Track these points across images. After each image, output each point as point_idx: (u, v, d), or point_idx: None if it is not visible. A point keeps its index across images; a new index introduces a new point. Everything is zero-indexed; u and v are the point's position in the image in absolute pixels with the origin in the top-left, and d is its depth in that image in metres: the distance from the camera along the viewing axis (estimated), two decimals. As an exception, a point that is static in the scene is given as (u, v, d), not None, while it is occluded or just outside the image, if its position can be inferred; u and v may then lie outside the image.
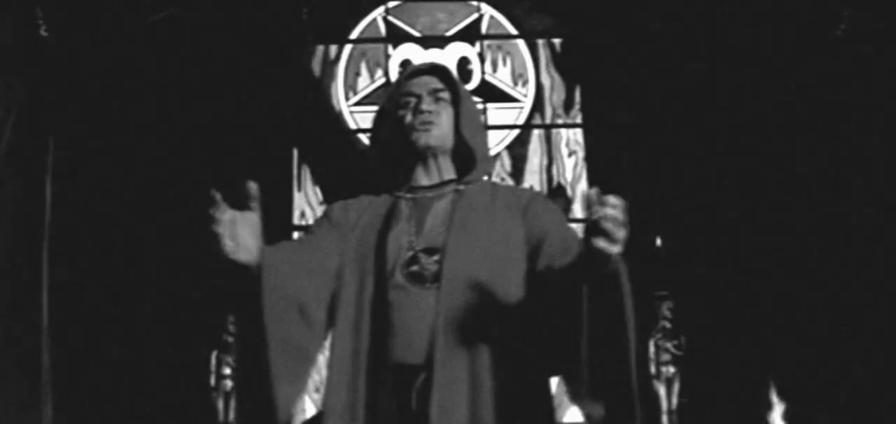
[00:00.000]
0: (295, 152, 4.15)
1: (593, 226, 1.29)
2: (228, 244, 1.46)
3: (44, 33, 3.70)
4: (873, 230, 3.64)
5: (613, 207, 1.29)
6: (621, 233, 1.30)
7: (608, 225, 1.28)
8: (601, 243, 1.29)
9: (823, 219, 3.69)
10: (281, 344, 1.57)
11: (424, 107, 1.75)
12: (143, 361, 3.56)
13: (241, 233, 1.47)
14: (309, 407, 3.84)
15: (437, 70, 1.83)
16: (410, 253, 1.65)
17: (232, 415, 3.52)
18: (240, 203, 1.63)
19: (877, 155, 3.69)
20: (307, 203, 4.07)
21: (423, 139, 1.74)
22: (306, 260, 1.68)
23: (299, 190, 4.12)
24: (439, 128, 1.75)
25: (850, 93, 3.75)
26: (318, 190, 4.12)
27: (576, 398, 1.55)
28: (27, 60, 3.67)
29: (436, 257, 1.63)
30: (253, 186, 1.51)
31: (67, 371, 3.55)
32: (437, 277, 1.61)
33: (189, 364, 3.49)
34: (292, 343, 1.60)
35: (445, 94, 1.78)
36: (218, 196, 1.46)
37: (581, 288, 1.40)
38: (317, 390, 3.56)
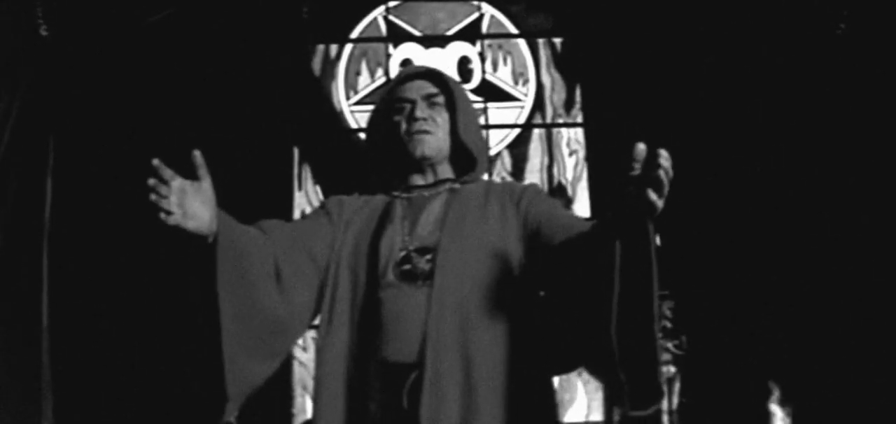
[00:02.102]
0: (295, 152, 4.15)
1: (643, 179, 1.30)
2: (175, 212, 1.44)
3: (44, 33, 3.70)
4: (874, 229, 3.64)
5: (666, 159, 1.29)
6: (667, 188, 1.31)
7: (662, 177, 1.29)
8: (653, 195, 1.30)
9: (824, 219, 3.69)
10: (239, 314, 1.54)
11: (419, 114, 1.73)
12: (144, 361, 3.56)
13: (189, 202, 1.46)
14: (309, 408, 3.84)
15: (430, 74, 1.81)
16: (403, 253, 1.65)
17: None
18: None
19: (877, 154, 3.68)
20: (307, 202, 4.07)
21: (419, 149, 1.73)
22: (295, 237, 1.68)
23: (299, 189, 4.12)
24: (435, 137, 1.74)
25: (850, 93, 3.74)
26: (318, 189, 4.12)
27: (602, 370, 1.51)
28: (27, 60, 3.67)
29: (428, 256, 1.62)
30: (197, 154, 1.49)
31: (67, 371, 3.55)
32: (429, 276, 1.60)
33: (189, 363, 3.49)
34: (257, 312, 1.58)
35: (440, 99, 1.77)
36: (158, 163, 1.44)
37: (614, 246, 1.39)
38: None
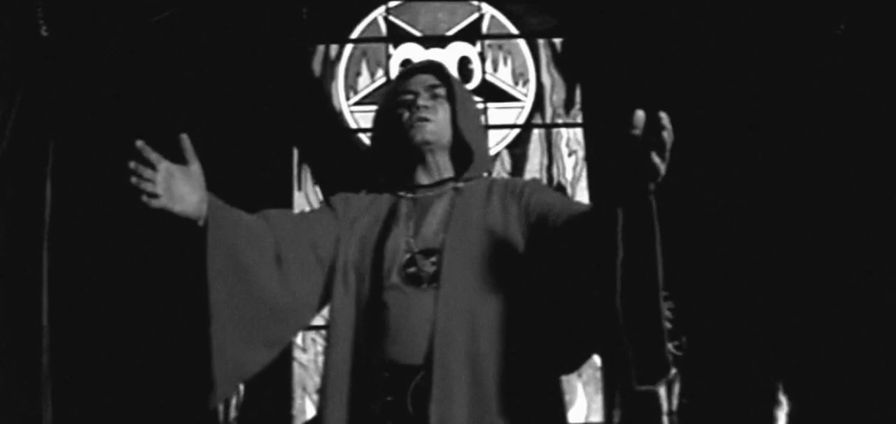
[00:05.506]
0: (295, 152, 4.14)
1: (646, 143, 1.29)
2: (161, 194, 1.44)
3: (44, 33, 3.69)
4: (874, 230, 3.64)
5: (667, 122, 1.29)
6: (668, 152, 1.30)
7: (665, 138, 1.28)
8: (656, 158, 1.29)
9: (824, 219, 3.69)
10: (233, 298, 1.54)
11: (421, 103, 1.75)
12: (143, 361, 3.56)
13: (176, 185, 1.46)
14: (309, 409, 3.84)
15: (433, 68, 1.82)
16: (408, 256, 1.64)
17: (232, 415, 3.52)
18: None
19: (877, 154, 3.68)
20: (307, 203, 4.07)
21: (419, 135, 1.74)
22: (299, 227, 1.68)
23: (299, 190, 4.11)
24: (435, 123, 1.75)
25: (850, 93, 3.74)
26: (318, 189, 4.11)
27: (609, 345, 1.50)
28: (27, 60, 3.66)
29: (433, 259, 1.62)
30: (184, 138, 1.49)
31: (67, 371, 3.55)
32: (434, 278, 1.60)
33: (189, 364, 3.48)
34: (253, 296, 1.57)
35: (441, 91, 1.79)
36: (141, 144, 1.44)
37: (616, 214, 1.38)
38: (317, 391, 3.56)
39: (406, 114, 1.76)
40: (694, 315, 3.49)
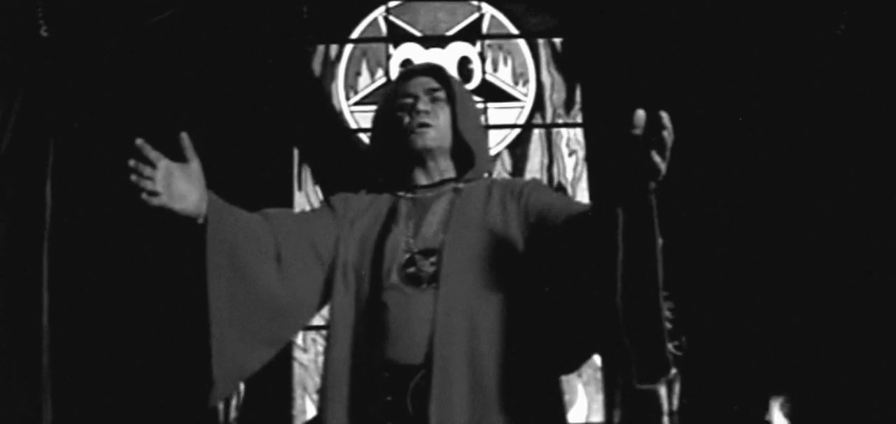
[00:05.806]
0: (295, 152, 4.15)
1: (647, 142, 1.28)
2: (161, 192, 1.44)
3: (44, 33, 3.69)
4: (874, 230, 3.64)
5: (668, 121, 1.28)
6: (669, 152, 1.30)
7: (666, 138, 1.28)
8: (657, 158, 1.28)
9: (824, 219, 3.69)
10: (232, 296, 1.54)
11: (421, 107, 1.74)
12: (143, 361, 3.56)
13: (176, 183, 1.46)
14: (309, 409, 3.84)
15: (433, 70, 1.82)
16: (407, 256, 1.64)
17: (232, 416, 3.52)
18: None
19: (877, 154, 3.68)
20: (307, 203, 4.07)
21: (419, 142, 1.73)
22: (299, 226, 1.68)
23: (299, 190, 4.12)
24: (436, 129, 1.75)
25: (850, 93, 3.74)
26: (318, 189, 4.12)
27: (609, 344, 1.49)
28: (27, 60, 3.66)
29: (433, 259, 1.62)
30: (184, 136, 1.49)
31: (67, 371, 3.55)
32: (433, 278, 1.60)
33: (189, 364, 3.48)
34: (253, 294, 1.57)
35: (441, 94, 1.78)
36: (141, 143, 1.43)
37: (616, 213, 1.37)
38: (317, 391, 3.56)
39: (406, 119, 1.75)
40: (694, 315, 3.49)
